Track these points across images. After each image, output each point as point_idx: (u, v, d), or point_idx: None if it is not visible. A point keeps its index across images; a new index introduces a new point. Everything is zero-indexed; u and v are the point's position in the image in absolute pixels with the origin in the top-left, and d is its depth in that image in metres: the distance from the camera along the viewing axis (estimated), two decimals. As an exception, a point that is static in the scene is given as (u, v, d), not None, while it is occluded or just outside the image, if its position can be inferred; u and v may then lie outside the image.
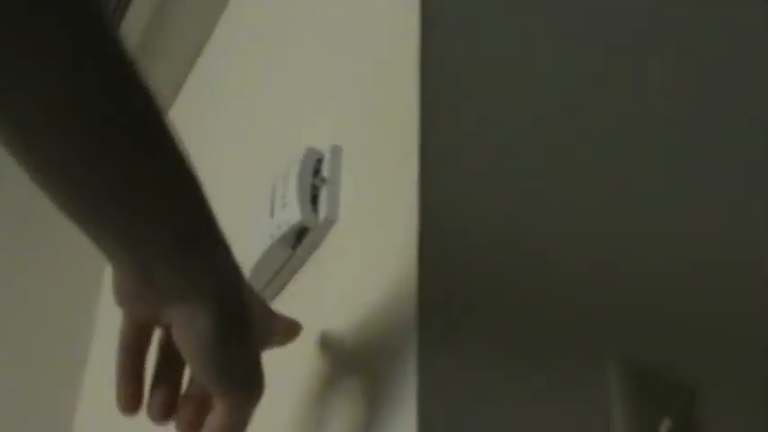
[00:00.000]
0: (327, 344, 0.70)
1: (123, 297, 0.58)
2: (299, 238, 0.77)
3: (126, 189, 0.52)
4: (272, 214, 0.78)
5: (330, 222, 0.75)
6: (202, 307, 0.55)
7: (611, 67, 0.82)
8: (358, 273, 0.70)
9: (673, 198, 0.78)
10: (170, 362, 0.61)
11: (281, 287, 0.80)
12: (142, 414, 0.62)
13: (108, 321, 1.41)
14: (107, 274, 1.46)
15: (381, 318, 0.64)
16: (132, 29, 1.28)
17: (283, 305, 0.79)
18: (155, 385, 0.62)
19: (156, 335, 0.62)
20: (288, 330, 0.66)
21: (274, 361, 0.62)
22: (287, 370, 0.70)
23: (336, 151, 0.78)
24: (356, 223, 0.73)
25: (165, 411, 0.61)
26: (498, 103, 0.73)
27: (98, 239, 0.54)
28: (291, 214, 0.75)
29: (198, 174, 0.55)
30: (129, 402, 0.61)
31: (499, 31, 0.77)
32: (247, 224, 0.81)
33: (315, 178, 0.77)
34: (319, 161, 0.78)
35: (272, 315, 0.65)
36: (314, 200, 0.76)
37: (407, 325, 0.60)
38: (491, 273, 0.65)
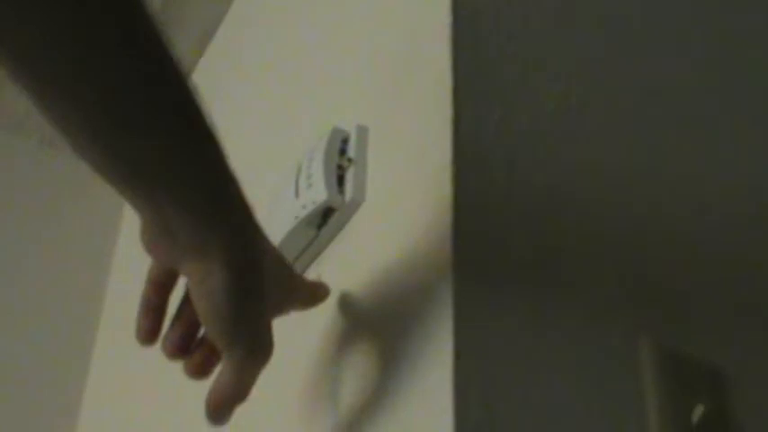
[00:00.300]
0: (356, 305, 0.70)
1: (146, 244, 0.59)
2: (325, 219, 0.76)
3: (149, 148, 0.53)
4: (296, 194, 0.77)
5: (357, 203, 0.74)
6: (217, 267, 0.56)
7: (641, 36, 0.81)
8: (386, 253, 0.70)
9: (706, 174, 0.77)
10: (191, 305, 0.61)
11: (305, 267, 0.80)
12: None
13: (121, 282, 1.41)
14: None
15: (414, 300, 0.64)
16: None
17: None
18: (174, 322, 0.62)
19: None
20: (313, 295, 0.68)
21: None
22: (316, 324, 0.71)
23: (362, 131, 0.77)
24: (384, 203, 0.72)
25: (177, 350, 0.62)
26: (532, 75, 0.72)
27: (122, 193, 0.56)
28: (317, 194, 0.74)
29: (218, 133, 0.55)
30: (147, 334, 0.62)
31: (533, 3, 0.76)
32: (271, 204, 0.81)
33: (341, 158, 0.76)
34: (345, 141, 0.77)
35: (297, 279, 0.66)
36: (340, 180, 0.75)
37: (442, 301, 0.60)
38: (526, 245, 0.64)
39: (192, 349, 0.62)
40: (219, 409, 0.60)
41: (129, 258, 1.51)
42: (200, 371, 0.61)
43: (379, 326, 0.67)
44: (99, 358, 1.42)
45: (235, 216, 0.57)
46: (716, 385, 0.65)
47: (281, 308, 0.63)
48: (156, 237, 0.57)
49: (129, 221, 1.58)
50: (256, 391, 0.61)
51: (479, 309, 0.60)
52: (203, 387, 0.61)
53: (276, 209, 0.79)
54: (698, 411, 0.64)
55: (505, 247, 0.64)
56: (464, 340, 0.58)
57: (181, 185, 0.55)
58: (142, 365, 1.24)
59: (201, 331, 0.62)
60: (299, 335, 0.73)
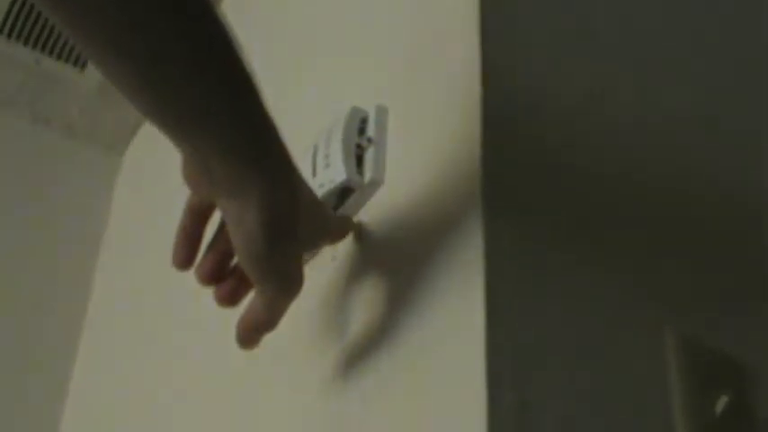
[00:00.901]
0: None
1: (186, 177, 0.62)
2: (342, 199, 0.75)
3: (192, 96, 0.56)
4: (314, 173, 0.76)
5: (376, 183, 0.73)
6: (253, 207, 0.58)
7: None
8: (405, 237, 0.69)
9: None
10: (226, 236, 0.63)
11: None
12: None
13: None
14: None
15: (439, 286, 0.63)
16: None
17: (322, 266, 0.78)
18: (208, 251, 0.65)
19: None
20: (340, 230, 0.71)
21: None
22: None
23: (382, 111, 0.76)
24: (404, 185, 0.71)
25: (209, 278, 0.65)
26: (564, 51, 0.71)
27: (164, 132, 0.59)
28: (336, 174, 0.73)
29: (256, 80, 0.58)
30: (182, 261, 0.66)
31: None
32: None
33: (360, 138, 0.75)
34: (364, 121, 0.76)
35: (327, 215, 0.69)
36: (359, 160, 0.74)
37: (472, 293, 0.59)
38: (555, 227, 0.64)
39: (223, 277, 0.65)
40: (248, 335, 0.64)
41: (119, 235, 1.50)
42: (229, 299, 0.65)
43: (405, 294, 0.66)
44: (86, 344, 1.40)
45: (271, 158, 0.60)
46: (740, 377, 0.65)
47: (314, 244, 0.68)
48: (195, 172, 0.60)
49: (121, 201, 1.56)
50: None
51: (510, 297, 0.59)
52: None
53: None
54: (722, 402, 0.63)
55: (537, 226, 0.63)
56: (496, 342, 0.57)
57: (221, 128, 0.57)
58: (128, 351, 1.23)
59: (234, 261, 0.65)
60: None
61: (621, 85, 0.75)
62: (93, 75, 1.49)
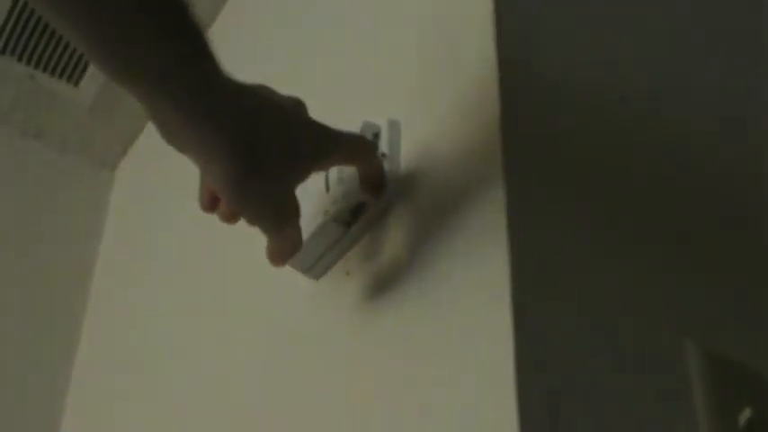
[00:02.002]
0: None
1: (163, 138, 0.63)
2: (355, 216, 0.75)
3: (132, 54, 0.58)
4: (327, 189, 0.75)
5: (391, 199, 0.73)
6: (215, 156, 0.60)
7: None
8: (420, 258, 0.68)
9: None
10: None
11: (332, 264, 0.78)
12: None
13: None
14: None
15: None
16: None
17: (336, 281, 0.77)
18: (201, 184, 0.67)
19: None
20: (352, 151, 0.70)
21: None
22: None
23: (394, 125, 0.76)
24: (419, 202, 0.71)
25: (207, 209, 0.68)
26: (578, 69, 0.71)
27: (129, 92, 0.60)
28: (349, 190, 0.73)
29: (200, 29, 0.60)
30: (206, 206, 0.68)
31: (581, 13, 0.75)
32: (298, 197, 0.79)
33: None
34: (376, 135, 0.76)
35: (331, 134, 0.68)
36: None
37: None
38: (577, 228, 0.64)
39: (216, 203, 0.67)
40: (275, 262, 0.69)
41: (112, 252, 1.49)
42: (228, 219, 0.67)
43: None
44: (80, 363, 1.39)
45: (223, 110, 0.60)
46: (763, 390, 0.65)
47: (311, 167, 0.67)
48: (162, 133, 0.61)
49: (114, 216, 1.55)
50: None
51: (531, 302, 0.59)
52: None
53: (304, 202, 0.77)
54: (745, 415, 0.63)
55: (560, 233, 0.63)
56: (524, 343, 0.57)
57: (167, 84, 0.59)
58: (124, 367, 1.22)
59: None
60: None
61: (637, 87, 0.75)
62: (86, 90, 1.48)
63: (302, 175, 0.66)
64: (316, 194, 0.76)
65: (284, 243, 0.68)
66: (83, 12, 0.56)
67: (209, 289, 1.06)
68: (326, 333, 0.77)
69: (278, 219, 0.66)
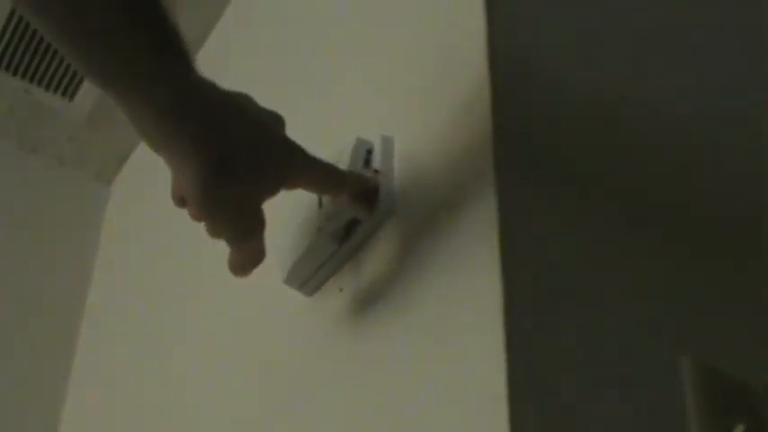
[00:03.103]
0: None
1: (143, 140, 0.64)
2: (348, 232, 0.75)
3: (107, 59, 0.59)
4: (320, 204, 0.75)
5: (384, 216, 0.73)
6: (187, 161, 0.61)
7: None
8: (412, 273, 0.68)
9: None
10: None
11: (325, 281, 0.78)
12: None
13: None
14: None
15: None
16: None
17: (329, 297, 0.77)
18: (173, 184, 0.68)
19: None
20: (332, 184, 0.71)
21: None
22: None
23: (388, 142, 0.76)
24: (413, 218, 0.71)
25: (179, 205, 0.68)
26: (572, 80, 0.71)
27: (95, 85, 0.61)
28: (343, 207, 0.73)
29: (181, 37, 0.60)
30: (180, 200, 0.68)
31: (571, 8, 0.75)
32: (291, 213, 0.79)
33: (366, 169, 0.75)
34: (369, 152, 0.76)
35: (308, 163, 0.68)
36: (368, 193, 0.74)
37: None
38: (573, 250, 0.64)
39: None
40: (237, 273, 0.69)
41: (108, 264, 1.49)
42: (196, 219, 0.67)
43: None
44: (76, 377, 1.39)
45: (198, 119, 0.61)
46: (756, 404, 0.65)
47: (280, 184, 0.67)
48: (137, 131, 0.62)
49: (110, 230, 1.55)
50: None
51: (528, 321, 0.59)
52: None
53: (297, 219, 0.78)
54: (739, 430, 0.63)
55: (553, 250, 0.63)
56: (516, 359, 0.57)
57: (144, 89, 0.60)
58: (120, 382, 1.22)
59: None
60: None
61: (637, 99, 0.75)
62: (81, 104, 1.48)
63: (270, 191, 0.66)
64: (309, 210, 0.76)
65: (247, 255, 0.68)
66: (69, 18, 0.57)
67: (203, 303, 1.06)
68: (319, 349, 0.77)
69: (242, 230, 0.66)
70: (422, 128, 0.74)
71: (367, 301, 0.72)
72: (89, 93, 1.46)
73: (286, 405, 0.78)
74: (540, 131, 0.68)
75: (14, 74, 1.43)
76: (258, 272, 0.71)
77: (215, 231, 0.66)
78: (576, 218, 0.66)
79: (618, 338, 0.62)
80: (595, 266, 0.65)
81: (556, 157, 0.68)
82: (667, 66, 0.81)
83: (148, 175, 1.46)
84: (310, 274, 0.78)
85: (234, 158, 0.62)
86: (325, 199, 0.75)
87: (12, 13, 1.35)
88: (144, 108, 0.60)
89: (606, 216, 0.69)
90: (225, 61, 1.20)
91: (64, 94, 1.46)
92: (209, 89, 0.63)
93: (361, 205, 0.72)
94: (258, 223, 0.66)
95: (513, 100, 0.68)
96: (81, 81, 1.45)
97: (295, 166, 0.67)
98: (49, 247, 1.48)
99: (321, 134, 0.81)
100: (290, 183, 0.68)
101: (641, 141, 0.74)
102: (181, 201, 0.67)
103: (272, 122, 0.68)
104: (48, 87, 1.45)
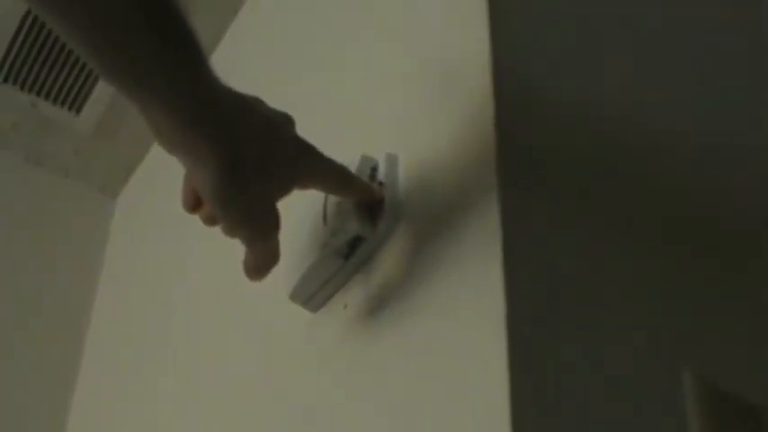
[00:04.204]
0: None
1: (156, 141, 0.64)
2: (353, 248, 0.75)
3: (128, 60, 0.59)
4: (324, 221, 0.76)
5: (389, 233, 0.73)
6: (200, 164, 0.62)
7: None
8: (416, 287, 0.69)
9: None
10: None
11: (330, 296, 0.79)
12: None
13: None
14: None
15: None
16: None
17: (334, 313, 0.78)
18: (186, 182, 0.68)
19: None
20: (342, 185, 0.72)
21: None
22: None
23: (392, 159, 0.76)
24: (418, 231, 0.71)
25: (189, 208, 0.68)
26: (575, 99, 0.72)
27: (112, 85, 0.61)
28: (347, 223, 0.73)
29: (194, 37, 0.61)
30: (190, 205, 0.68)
31: (574, 26, 0.76)
32: (296, 229, 0.79)
33: (371, 185, 0.75)
34: (374, 169, 0.76)
35: (317, 162, 0.69)
36: (370, 208, 0.74)
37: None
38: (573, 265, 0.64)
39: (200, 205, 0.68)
40: (252, 276, 0.69)
41: (114, 277, 1.49)
42: (209, 222, 0.68)
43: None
44: (84, 386, 1.39)
45: (215, 119, 0.62)
46: (760, 422, 0.65)
47: (294, 182, 0.68)
48: (153, 132, 0.63)
49: (115, 244, 1.55)
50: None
51: (527, 332, 0.59)
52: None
53: (302, 235, 0.78)
54: (741, 449, 0.63)
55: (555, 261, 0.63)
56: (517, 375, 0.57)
57: (161, 90, 0.60)
58: (126, 398, 1.22)
59: None
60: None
61: (640, 107, 0.75)
62: (88, 118, 1.49)
63: (285, 189, 0.67)
64: (314, 227, 0.77)
65: (262, 256, 0.68)
66: (85, 17, 0.57)
67: (208, 317, 1.07)
68: (324, 365, 0.77)
69: (259, 228, 0.66)
70: (426, 143, 0.74)
71: (371, 317, 0.73)
72: (95, 106, 1.47)
73: (289, 420, 0.78)
74: (543, 145, 0.68)
75: (21, 88, 1.44)
76: (263, 287, 0.72)
77: (231, 230, 0.66)
78: (579, 229, 0.67)
79: (619, 342, 0.63)
80: (596, 276, 0.65)
81: (559, 169, 0.68)
82: (666, 70, 0.81)
83: (154, 188, 1.47)
84: (315, 290, 0.78)
85: (249, 157, 0.63)
86: (330, 216, 0.75)
87: (19, 28, 1.36)
88: (160, 108, 0.61)
89: (607, 223, 0.69)
90: (230, 77, 1.20)
91: (70, 107, 1.47)
92: (224, 90, 0.64)
93: (365, 220, 0.73)
94: (274, 221, 0.67)
95: (515, 114, 0.68)
96: (87, 95, 1.46)
97: (308, 165, 0.69)
98: (55, 260, 1.49)
99: (325, 151, 0.81)
100: (302, 182, 0.69)
101: (642, 149, 0.74)
102: (192, 207, 0.68)
103: (284, 122, 0.69)
104: (54, 101, 1.46)
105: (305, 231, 0.78)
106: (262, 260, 0.68)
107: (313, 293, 0.79)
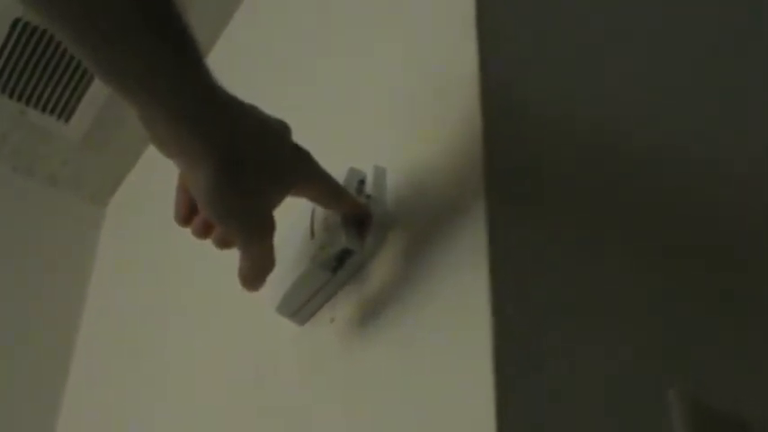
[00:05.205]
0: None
1: (153, 144, 0.64)
2: (341, 261, 0.75)
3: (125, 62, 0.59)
4: (312, 235, 0.75)
5: (377, 246, 0.73)
6: (198, 169, 0.62)
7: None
8: (404, 299, 0.68)
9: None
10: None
11: (317, 310, 0.78)
12: None
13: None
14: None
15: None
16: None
17: (320, 326, 0.77)
18: (179, 193, 0.69)
19: None
20: (334, 200, 0.72)
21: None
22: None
23: (380, 172, 0.76)
24: (406, 245, 0.71)
25: (180, 220, 0.69)
26: (563, 115, 0.72)
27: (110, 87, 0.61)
28: (335, 238, 0.73)
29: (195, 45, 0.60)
30: (182, 217, 0.69)
31: (562, 44, 0.76)
32: (282, 244, 0.79)
33: (358, 197, 0.75)
34: (362, 182, 0.76)
35: (313, 173, 0.70)
36: (358, 222, 0.74)
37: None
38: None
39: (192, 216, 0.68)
40: (247, 284, 0.69)
41: (103, 285, 1.49)
42: (201, 233, 0.69)
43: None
44: (73, 395, 1.39)
45: (214, 124, 0.62)
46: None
47: (290, 188, 0.68)
48: (150, 136, 0.62)
49: (104, 252, 1.55)
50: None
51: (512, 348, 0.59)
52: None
53: (289, 249, 0.78)
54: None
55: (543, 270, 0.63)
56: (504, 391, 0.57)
57: (160, 94, 0.60)
58: (115, 406, 1.22)
59: None
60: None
61: (634, 123, 0.75)
62: (77, 126, 1.49)
63: (280, 193, 0.68)
64: (301, 240, 0.76)
65: (258, 260, 0.68)
66: (83, 17, 0.57)
67: (196, 328, 1.06)
68: (309, 378, 0.76)
69: (254, 230, 0.66)
70: (413, 156, 0.74)
71: (358, 333, 0.72)
72: (85, 115, 1.47)
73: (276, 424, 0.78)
74: (531, 157, 0.68)
75: (10, 96, 1.43)
76: (250, 299, 0.71)
77: (225, 233, 0.67)
78: (566, 243, 0.66)
79: (605, 357, 0.63)
80: (582, 289, 0.65)
81: (546, 180, 0.68)
82: (658, 80, 0.81)
83: (143, 197, 1.46)
84: (302, 303, 0.78)
85: (246, 158, 0.63)
86: (318, 229, 0.75)
87: (8, 36, 1.36)
88: (157, 109, 0.60)
89: (593, 237, 0.69)
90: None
91: (60, 116, 1.47)
92: (222, 92, 0.63)
93: (353, 234, 0.73)
94: (269, 224, 0.66)
95: (504, 125, 0.68)
96: (77, 103, 1.45)
97: (304, 171, 0.69)
98: (44, 270, 1.48)
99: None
100: (298, 187, 0.69)
101: (631, 158, 0.74)
102: (184, 218, 0.68)
103: (281, 129, 0.69)
104: (43, 109, 1.45)
105: (292, 245, 0.77)
106: (258, 265, 0.68)
107: (300, 306, 0.78)
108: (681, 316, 0.69)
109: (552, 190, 0.69)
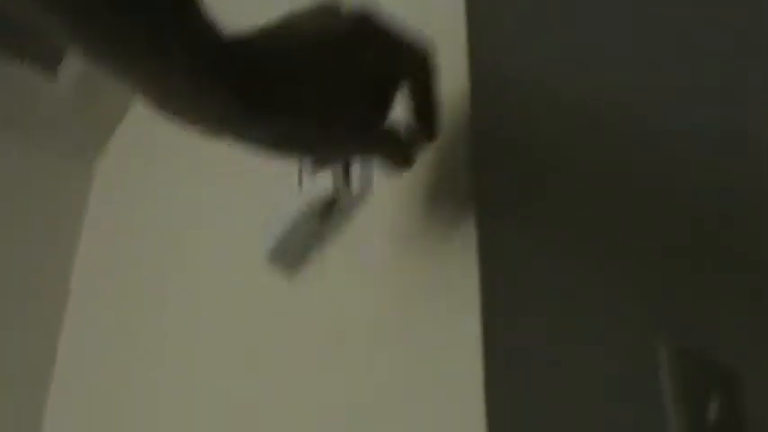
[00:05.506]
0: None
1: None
2: (330, 210, 0.75)
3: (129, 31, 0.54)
4: (299, 184, 0.75)
5: (365, 193, 0.73)
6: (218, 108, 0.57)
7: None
8: (394, 246, 0.68)
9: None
10: None
11: (307, 259, 0.78)
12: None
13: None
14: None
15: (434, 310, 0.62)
16: None
17: (310, 276, 0.77)
18: None
19: None
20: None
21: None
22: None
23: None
24: (393, 194, 0.71)
25: None
26: (550, 106, 0.71)
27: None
28: (323, 185, 0.73)
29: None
30: None
31: (554, 35, 0.75)
32: (271, 193, 0.79)
33: (346, 178, 0.75)
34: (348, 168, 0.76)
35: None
36: (345, 170, 0.74)
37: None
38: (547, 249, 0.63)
39: None
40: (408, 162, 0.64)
41: (92, 245, 1.48)
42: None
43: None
44: (61, 363, 1.39)
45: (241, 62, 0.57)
46: (733, 385, 0.65)
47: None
48: (153, 101, 0.57)
49: (93, 210, 1.54)
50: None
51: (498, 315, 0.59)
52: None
53: (276, 198, 0.78)
54: (713, 410, 0.63)
55: (527, 239, 0.63)
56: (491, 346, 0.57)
57: (163, 50, 0.55)
58: (105, 369, 1.22)
59: None
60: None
61: (620, 107, 0.75)
62: (64, 83, 1.48)
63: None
64: (290, 191, 0.76)
65: (395, 149, 0.64)
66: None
67: (188, 287, 1.06)
68: (302, 334, 0.77)
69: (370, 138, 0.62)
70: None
71: (347, 279, 0.72)
72: (71, 70, 1.46)
73: (270, 392, 0.78)
74: (521, 156, 0.67)
75: (-6, 51, 1.42)
76: (244, 254, 0.71)
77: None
78: (558, 232, 0.66)
79: (592, 320, 0.63)
80: (568, 266, 0.65)
81: (536, 181, 0.67)
82: (656, 77, 0.80)
83: (133, 154, 1.46)
84: (293, 253, 0.78)
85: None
86: (305, 178, 0.75)
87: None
88: (161, 63, 0.55)
89: (584, 233, 0.68)
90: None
91: (45, 70, 1.46)
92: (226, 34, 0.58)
93: (340, 183, 0.72)
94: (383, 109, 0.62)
95: (494, 128, 0.67)
96: (62, 58, 1.44)
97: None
98: (31, 229, 1.47)
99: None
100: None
101: (623, 157, 0.74)
102: None
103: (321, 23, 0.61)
104: (28, 64, 1.44)
105: (281, 196, 0.77)
106: (397, 149, 0.64)
107: (291, 256, 0.78)
108: (669, 266, 0.69)
109: (542, 186, 0.68)
